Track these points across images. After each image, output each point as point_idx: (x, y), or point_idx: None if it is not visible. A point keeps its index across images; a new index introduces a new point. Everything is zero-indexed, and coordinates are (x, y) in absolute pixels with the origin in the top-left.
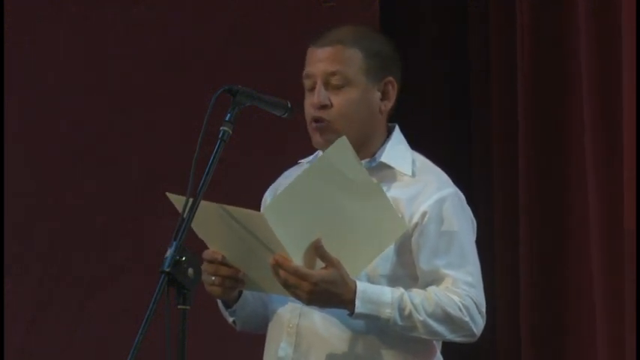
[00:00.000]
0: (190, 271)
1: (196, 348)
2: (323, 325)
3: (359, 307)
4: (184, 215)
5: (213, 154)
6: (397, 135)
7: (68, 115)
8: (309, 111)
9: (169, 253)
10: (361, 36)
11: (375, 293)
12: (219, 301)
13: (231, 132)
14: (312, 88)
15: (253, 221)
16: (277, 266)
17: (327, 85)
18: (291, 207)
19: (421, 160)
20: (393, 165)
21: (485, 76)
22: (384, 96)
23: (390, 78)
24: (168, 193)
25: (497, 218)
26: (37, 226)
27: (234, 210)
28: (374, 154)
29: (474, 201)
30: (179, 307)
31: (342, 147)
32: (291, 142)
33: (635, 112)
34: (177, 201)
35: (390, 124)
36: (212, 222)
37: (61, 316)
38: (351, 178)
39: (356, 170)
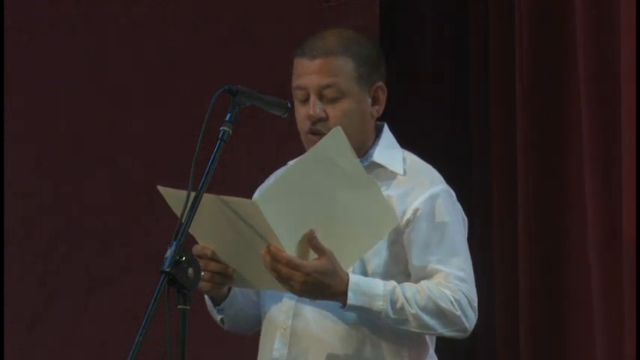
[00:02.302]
0: (190, 271)
1: (196, 348)
2: (317, 324)
3: (351, 298)
4: (184, 212)
5: (213, 154)
6: (387, 134)
7: (68, 115)
8: (305, 123)
9: (169, 253)
10: (349, 43)
11: (368, 285)
12: (207, 299)
13: (231, 132)
14: (304, 100)
15: (247, 210)
16: (270, 257)
17: (320, 97)
18: (285, 196)
19: (411, 158)
20: (384, 164)
21: (484, 77)
22: (375, 101)
23: (380, 83)
24: (160, 187)
25: (497, 218)
26: (37, 226)
27: (228, 199)
28: (365, 154)
29: (473, 201)
30: (179, 307)
31: (337, 137)
32: (291, 142)
33: (635, 116)
34: (169, 195)
35: (378, 123)
36: (205, 214)
37: (61, 316)
38: (345, 168)
39: (350, 160)
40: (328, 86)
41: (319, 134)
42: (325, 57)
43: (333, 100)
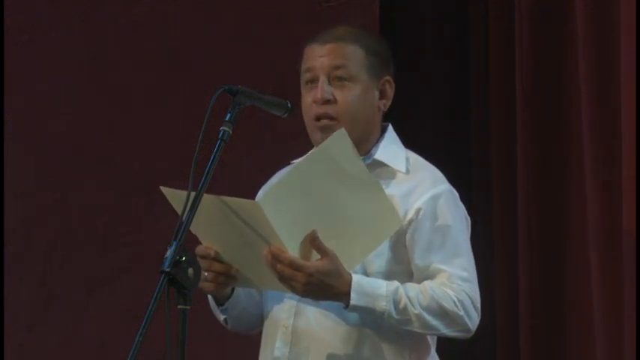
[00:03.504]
0: (190, 271)
1: (196, 348)
2: (318, 324)
3: (354, 299)
4: (185, 212)
5: (213, 154)
6: (391, 133)
7: (68, 115)
8: (311, 107)
9: (169, 253)
10: (360, 34)
11: (371, 286)
12: (210, 299)
13: (231, 132)
14: (312, 81)
15: (249, 211)
16: (272, 257)
17: (330, 79)
18: (288, 197)
19: (414, 157)
20: (387, 162)
21: (485, 77)
22: (382, 95)
23: (388, 77)
24: (162, 188)
25: (497, 218)
26: (37, 226)
27: (230, 200)
28: (368, 151)
29: (473, 201)
30: (179, 307)
31: (341, 138)
32: (292, 142)
33: (635, 116)
34: (172, 196)
35: (383, 123)
36: (207, 215)
37: (61, 316)
38: (349, 169)
39: (354, 162)
40: (338, 67)
41: (327, 117)
42: (336, 42)
43: (342, 81)
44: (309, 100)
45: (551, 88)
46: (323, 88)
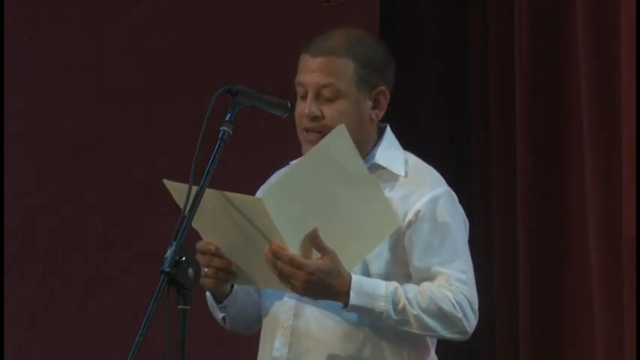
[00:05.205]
0: (190, 271)
1: (196, 348)
2: (318, 324)
3: (353, 298)
4: (186, 208)
5: (213, 154)
6: (389, 136)
7: (68, 115)
8: (301, 119)
9: (169, 253)
10: (354, 44)
11: (370, 286)
12: (209, 297)
13: (231, 132)
14: (304, 96)
15: (251, 207)
16: (272, 255)
17: (318, 96)
18: (289, 194)
19: (413, 159)
20: (386, 166)
21: (485, 76)
22: (375, 105)
23: (382, 87)
24: (165, 181)
25: (497, 219)
26: (37, 226)
27: (232, 196)
28: (367, 155)
29: (473, 201)
30: (179, 307)
31: (340, 134)
32: (291, 142)
33: (635, 116)
34: (174, 189)
35: (381, 125)
36: (209, 211)
37: (61, 316)
38: (348, 167)
39: (353, 160)
40: (325, 86)
41: (314, 132)
42: (326, 56)
43: (330, 100)
44: (300, 110)
45: (551, 88)
46: (311, 105)
